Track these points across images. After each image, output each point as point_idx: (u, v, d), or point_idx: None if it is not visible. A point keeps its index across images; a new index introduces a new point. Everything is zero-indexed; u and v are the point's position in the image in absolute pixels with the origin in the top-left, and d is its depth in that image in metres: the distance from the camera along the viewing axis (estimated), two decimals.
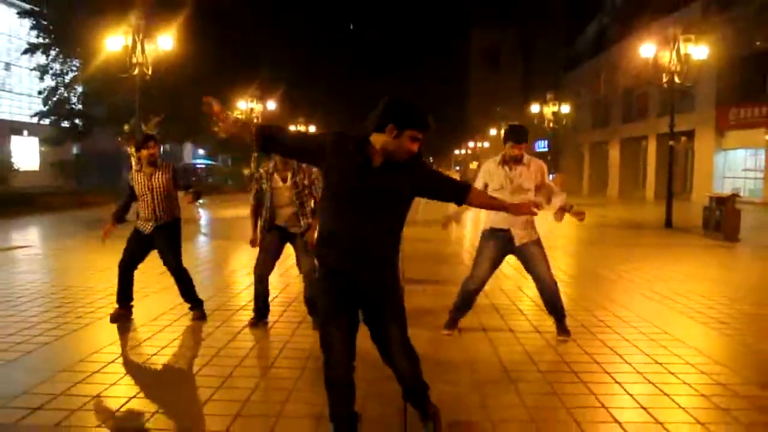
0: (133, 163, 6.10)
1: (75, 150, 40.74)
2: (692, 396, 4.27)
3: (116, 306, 6.14)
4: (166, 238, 6.10)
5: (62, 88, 28.65)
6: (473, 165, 74.60)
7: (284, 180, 5.79)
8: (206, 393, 4.25)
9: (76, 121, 29.37)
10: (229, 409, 3.92)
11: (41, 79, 28.83)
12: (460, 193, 3.26)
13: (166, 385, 4.58)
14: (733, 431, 3.75)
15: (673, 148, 18.26)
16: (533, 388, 4.42)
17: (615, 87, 37.46)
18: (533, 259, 5.43)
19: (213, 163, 55.94)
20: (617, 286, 8.63)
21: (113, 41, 18.14)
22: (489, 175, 5.41)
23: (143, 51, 17.97)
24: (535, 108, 33.07)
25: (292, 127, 44.25)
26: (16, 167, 29.24)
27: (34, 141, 38.55)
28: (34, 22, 27.52)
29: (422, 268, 9.54)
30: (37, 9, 27.49)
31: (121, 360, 4.97)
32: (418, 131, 3.02)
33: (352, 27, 70.42)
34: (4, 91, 39.54)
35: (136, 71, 17.95)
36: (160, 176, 6.04)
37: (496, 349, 5.33)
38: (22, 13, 28.33)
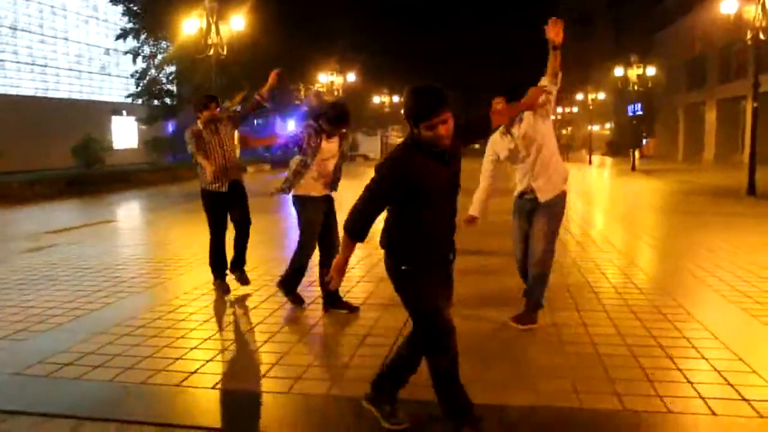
0: (199, 125, 6.22)
1: (171, 128, 42.73)
2: None
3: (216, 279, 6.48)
4: (240, 193, 6.34)
5: (153, 70, 30.07)
6: (565, 131, 72.72)
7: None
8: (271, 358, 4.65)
9: (166, 100, 30.74)
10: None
11: (134, 61, 30.38)
12: (484, 120, 3.43)
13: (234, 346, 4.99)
14: None
15: (757, 108, 17.28)
16: (619, 362, 4.36)
17: (711, 45, 35.36)
18: (535, 227, 5.09)
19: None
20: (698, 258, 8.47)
21: (190, 24, 18.96)
22: (496, 146, 5.25)
23: (218, 32, 18.64)
24: (618, 71, 31.84)
25: (376, 99, 44.66)
26: (108, 146, 30.99)
27: (132, 120, 40.69)
28: (125, 9, 28.93)
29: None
30: None
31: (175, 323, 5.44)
32: (428, 121, 2.88)
33: None
34: (104, 74, 41.81)
35: (212, 52, 18.68)
36: (224, 131, 6.26)
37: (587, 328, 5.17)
38: (114, 1, 29.87)
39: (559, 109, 68.48)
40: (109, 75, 41.81)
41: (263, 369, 4.38)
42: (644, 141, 48.82)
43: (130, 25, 29.08)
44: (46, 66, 38.60)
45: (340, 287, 5.02)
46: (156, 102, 30.65)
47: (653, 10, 46.89)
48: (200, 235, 7.90)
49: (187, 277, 7.24)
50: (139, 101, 30.98)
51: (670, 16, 44.02)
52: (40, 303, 6.18)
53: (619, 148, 51.80)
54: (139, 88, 30.23)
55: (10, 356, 4.66)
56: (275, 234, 10.75)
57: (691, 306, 5.68)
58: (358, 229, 3.08)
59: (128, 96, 31.53)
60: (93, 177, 20.68)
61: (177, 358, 4.52)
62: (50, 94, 38.43)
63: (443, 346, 3.12)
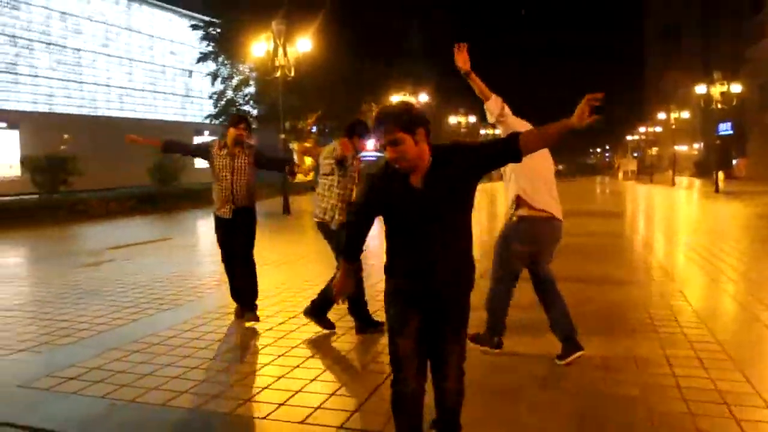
0: (216, 144, 6.12)
1: None
2: None
3: (237, 305, 6.31)
4: (242, 223, 6.10)
5: (230, 91, 31.09)
6: (651, 151, 70.33)
7: None
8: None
9: None
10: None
11: (212, 83, 31.51)
12: (510, 144, 2.87)
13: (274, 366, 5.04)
14: None
15: None
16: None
17: None
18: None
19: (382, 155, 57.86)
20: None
21: (258, 47, 19.53)
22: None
23: (285, 54, 19.09)
24: (701, 89, 30.47)
25: (452, 119, 44.56)
26: (183, 165, 31.59)
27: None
28: (204, 33, 30.11)
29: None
30: (205, 20, 30.08)
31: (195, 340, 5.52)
32: (378, 140, 2.85)
33: (523, 12, 69.03)
34: (188, 96, 43.55)
35: (279, 73, 19.14)
36: (242, 158, 6.06)
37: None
38: (194, 26, 31.16)
39: (642, 129, 66.47)
40: (193, 97, 43.45)
41: (251, 393, 4.34)
42: (734, 161, 46.52)
43: (209, 48, 30.20)
44: (141, 90, 40.61)
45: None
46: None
47: (745, 24, 44.76)
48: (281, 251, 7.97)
49: (217, 297, 7.33)
50: (217, 122, 32.04)
51: (762, 29, 41.90)
52: (73, 317, 6.40)
53: (706, 168, 49.57)
54: (217, 109, 31.31)
55: (23, 368, 4.84)
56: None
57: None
58: (345, 248, 3.08)
59: (207, 117, 32.64)
60: (164, 195, 21.42)
61: (173, 377, 4.55)
62: (136, 115, 40.32)
63: (394, 376, 2.97)
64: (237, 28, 25.61)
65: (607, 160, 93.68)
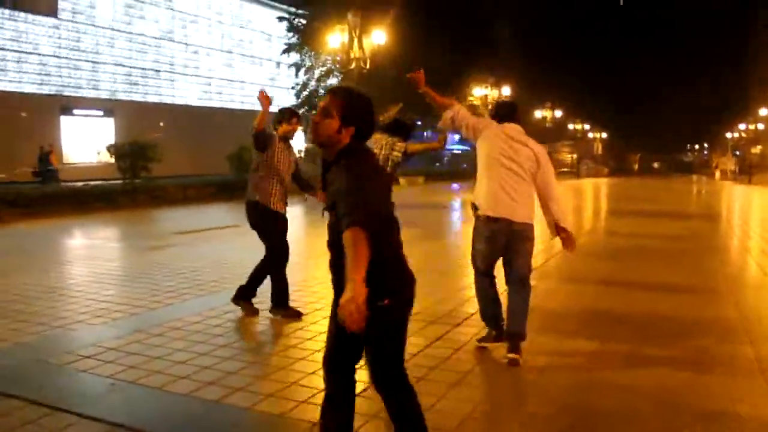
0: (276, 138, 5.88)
1: None
2: None
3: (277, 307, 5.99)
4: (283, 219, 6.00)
5: (312, 82, 31.70)
6: (755, 149, 66.52)
7: None
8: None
9: None
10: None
11: (296, 74, 32.20)
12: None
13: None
14: None
15: None
16: None
17: None
18: None
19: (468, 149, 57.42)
20: None
21: (334, 38, 19.74)
22: None
23: (360, 46, 19.21)
24: None
25: (537, 113, 43.61)
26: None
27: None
28: (289, 25, 30.74)
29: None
30: (291, 12, 30.74)
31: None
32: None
33: (621, 3, 66.28)
34: (274, 87, 44.57)
35: (353, 65, 19.30)
36: (292, 154, 6.04)
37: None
38: (280, 18, 31.85)
39: (742, 126, 62.87)
40: (279, 87, 44.41)
41: (249, 383, 4.39)
42: None
43: (294, 40, 30.81)
44: (229, 80, 41.92)
45: None
46: (314, 113, 32.13)
47: None
48: (310, 246, 8.06)
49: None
50: (299, 112, 32.69)
51: None
52: (114, 298, 6.69)
53: None
54: (299, 100, 31.97)
55: (49, 343, 5.11)
56: None
57: None
58: None
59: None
60: (242, 183, 21.94)
61: (179, 362, 4.66)
62: (222, 105, 41.65)
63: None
64: (320, 19, 25.99)
65: (704, 158, 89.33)
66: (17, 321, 5.77)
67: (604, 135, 58.77)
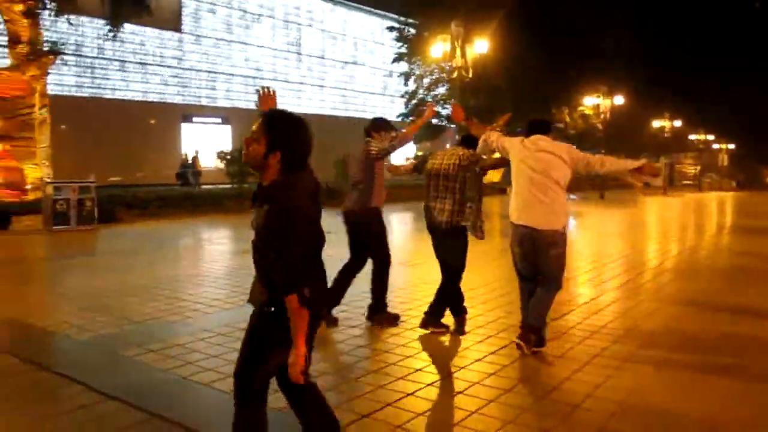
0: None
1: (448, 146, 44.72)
2: None
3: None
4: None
5: (421, 90, 32.00)
6: None
7: None
8: None
9: (432, 120, 32.35)
10: None
11: (405, 83, 32.59)
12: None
13: None
14: None
15: None
16: None
17: None
18: None
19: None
20: None
21: (437, 48, 19.87)
22: None
23: (463, 55, 19.24)
24: None
25: (655, 123, 41.69)
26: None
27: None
28: (398, 35, 31.17)
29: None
30: (401, 21, 31.19)
31: None
32: None
33: (758, 5, 61.92)
34: (384, 95, 45.31)
35: (455, 74, 19.36)
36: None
37: None
38: (390, 28, 32.35)
39: None
40: (390, 96, 45.09)
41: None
42: None
43: (403, 49, 31.22)
44: (342, 88, 43.13)
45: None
46: None
47: None
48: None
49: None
50: (408, 120, 33.11)
51: None
52: (194, 297, 7.12)
53: None
54: (408, 108, 32.37)
55: (124, 337, 5.55)
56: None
57: None
58: None
59: (398, 116, 33.84)
60: (343, 190, 22.35)
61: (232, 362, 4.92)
62: (334, 112, 42.85)
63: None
64: (427, 29, 26.22)
65: None
66: (103, 315, 6.29)
67: (732, 146, 55.31)
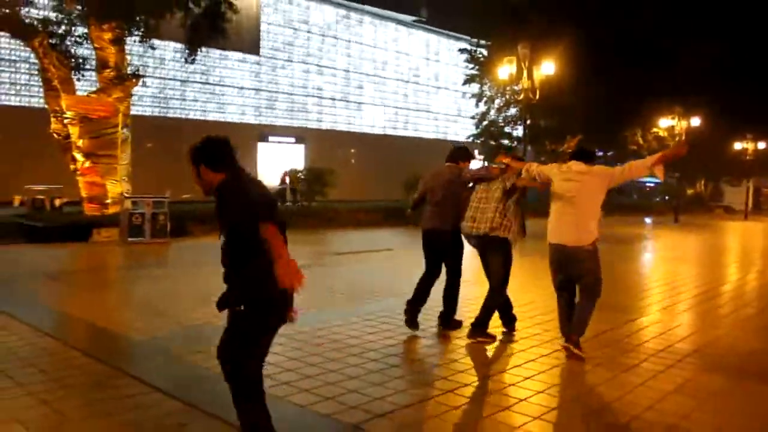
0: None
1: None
2: None
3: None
4: None
5: (492, 112, 32.06)
6: None
7: None
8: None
9: (504, 141, 32.29)
10: None
11: (477, 105, 32.73)
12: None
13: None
14: None
15: None
16: None
17: None
18: None
19: (660, 181, 54.40)
20: None
21: (503, 70, 19.96)
22: None
23: (529, 77, 19.26)
24: None
25: (737, 145, 40.14)
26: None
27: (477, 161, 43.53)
28: (469, 56, 31.34)
29: None
30: (472, 42, 31.34)
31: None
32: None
33: None
34: (459, 116, 45.55)
35: (522, 96, 19.41)
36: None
37: None
38: (461, 50, 32.58)
39: None
40: (463, 117, 45.30)
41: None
42: None
43: (474, 71, 31.38)
44: (413, 109, 43.72)
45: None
46: (492, 143, 32.37)
47: None
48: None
49: (354, 306, 7.98)
50: (478, 141, 33.21)
51: None
52: None
53: None
54: (478, 130, 32.49)
55: (176, 338, 6.06)
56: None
57: None
58: None
59: (468, 137, 33.99)
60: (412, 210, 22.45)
61: (270, 364, 5.25)
62: (405, 133, 43.47)
63: None
64: (497, 51, 26.28)
65: None
66: (161, 318, 6.83)
67: None
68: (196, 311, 7.17)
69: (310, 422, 4.16)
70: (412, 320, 6.52)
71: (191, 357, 5.43)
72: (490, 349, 6.02)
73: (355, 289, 9.03)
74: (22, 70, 27.66)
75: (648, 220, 31.58)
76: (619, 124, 28.82)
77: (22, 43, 20.62)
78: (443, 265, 6.59)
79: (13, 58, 27.52)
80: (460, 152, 6.77)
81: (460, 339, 6.24)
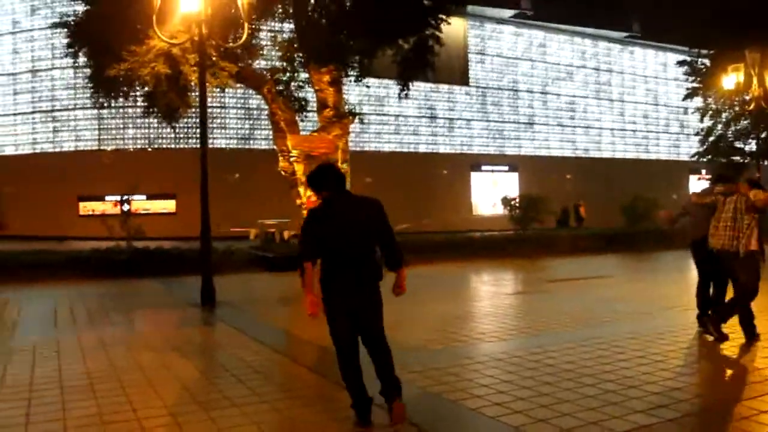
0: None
1: None
2: None
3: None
4: None
5: (719, 126, 29.40)
6: None
7: None
8: None
9: (735, 158, 29.47)
10: None
11: (701, 120, 30.23)
12: None
13: None
14: None
15: None
16: None
17: None
18: None
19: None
20: None
21: (728, 79, 18.35)
22: None
23: (761, 84, 17.57)
24: None
25: None
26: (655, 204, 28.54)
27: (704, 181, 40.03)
28: (690, 68, 29.11)
29: None
30: (692, 54, 29.14)
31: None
32: None
33: None
34: (683, 134, 42.60)
35: (752, 106, 17.74)
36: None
37: None
38: (680, 62, 30.41)
39: None
40: (686, 134, 42.21)
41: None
42: None
43: (695, 84, 29.16)
44: (633, 130, 41.72)
45: None
46: (723, 160, 29.68)
47: None
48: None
49: (552, 340, 7.67)
50: (704, 159, 30.72)
51: None
52: (460, 330, 7.70)
53: None
54: (704, 147, 29.96)
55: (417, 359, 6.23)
56: None
57: None
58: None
59: (693, 155, 31.63)
60: (632, 235, 21.16)
61: (483, 385, 5.27)
62: (627, 155, 41.34)
63: None
64: (720, 60, 24.22)
65: None
66: None
67: None
68: (410, 336, 7.36)
69: None
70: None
71: (405, 377, 5.55)
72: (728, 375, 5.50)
73: (571, 316, 8.74)
74: (248, 117, 30.96)
75: None
76: None
77: (251, 93, 22.85)
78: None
79: (238, 106, 30.91)
80: (744, 177, 7.54)
81: (685, 366, 5.79)
